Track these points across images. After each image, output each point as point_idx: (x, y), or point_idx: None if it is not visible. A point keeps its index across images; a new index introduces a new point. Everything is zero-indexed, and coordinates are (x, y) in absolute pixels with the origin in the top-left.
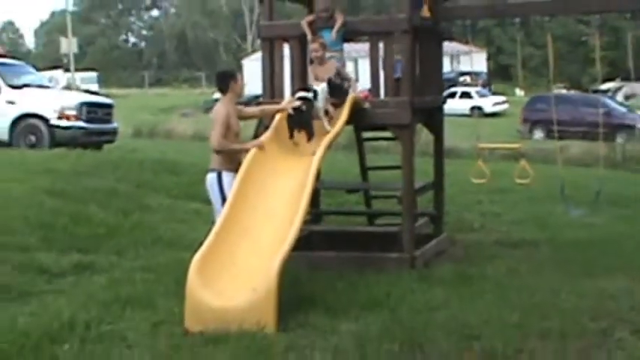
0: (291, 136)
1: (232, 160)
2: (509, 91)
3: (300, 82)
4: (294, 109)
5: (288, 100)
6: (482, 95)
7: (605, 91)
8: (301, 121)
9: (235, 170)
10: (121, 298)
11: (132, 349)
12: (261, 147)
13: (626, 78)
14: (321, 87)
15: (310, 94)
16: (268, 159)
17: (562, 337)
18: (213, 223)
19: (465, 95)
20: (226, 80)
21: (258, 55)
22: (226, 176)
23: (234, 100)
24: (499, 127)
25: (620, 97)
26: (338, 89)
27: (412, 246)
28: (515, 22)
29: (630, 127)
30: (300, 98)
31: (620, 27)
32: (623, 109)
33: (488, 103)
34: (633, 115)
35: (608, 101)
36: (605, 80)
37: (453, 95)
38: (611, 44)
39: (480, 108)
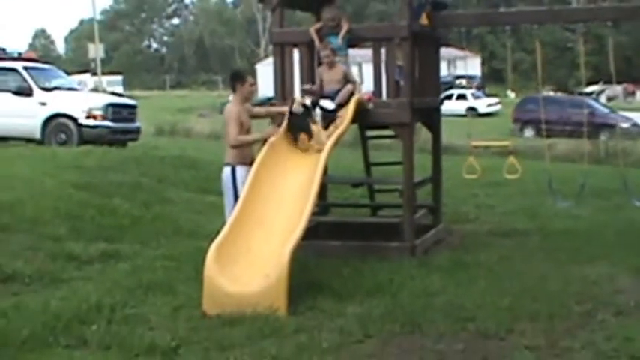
0: (295, 139)
1: (245, 156)
2: (501, 93)
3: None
4: (292, 113)
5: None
6: (476, 97)
7: (589, 94)
8: (300, 124)
9: (249, 164)
10: (144, 284)
11: (154, 330)
12: (273, 135)
13: (608, 81)
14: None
15: (308, 102)
16: (279, 155)
17: (550, 318)
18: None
19: (461, 97)
20: (234, 81)
21: (270, 60)
22: (240, 170)
23: (242, 100)
24: (492, 127)
25: (603, 98)
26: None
27: (412, 236)
28: (506, 30)
29: (612, 126)
30: (301, 105)
31: (602, 35)
32: (605, 110)
33: (483, 104)
34: (615, 115)
35: (592, 102)
36: (589, 83)
37: (449, 97)
38: (595, 50)
39: (474, 109)
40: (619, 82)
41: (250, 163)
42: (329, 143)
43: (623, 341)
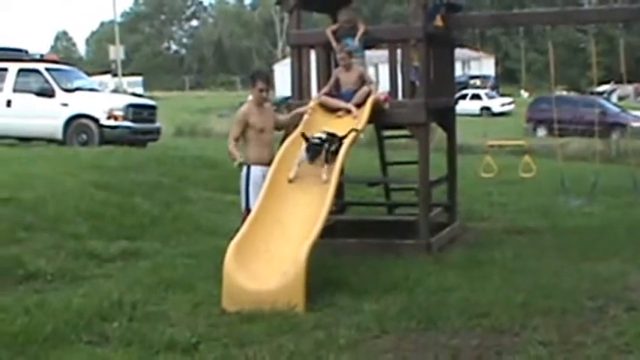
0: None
1: (263, 156)
2: (515, 92)
3: (326, 84)
4: (309, 145)
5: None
6: (490, 97)
7: (601, 93)
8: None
9: (265, 164)
10: (164, 282)
11: (174, 327)
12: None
13: (620, 81)
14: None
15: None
16: (297, 154)
17: (562, 314)
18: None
19: (475, 97)
20: (251, 80)
21: (288, 60)
22: (254, 170)
23: (255, 100)
24: (506, 126)
25: (614, 98)
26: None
27: (428, 233)
28: (519, 31)
29: (623, 125)
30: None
31: (614, 35)
32: (617, 109)
33: (496, 104)
34: (626, 114)
35: (604, 102)
36: (600, 83)
37: (464, 97)
38: (606, 51)
39: (488, 108)
40: (630, 82)
41: (267, 163)
42: (345, 143)
43: (634, 336)
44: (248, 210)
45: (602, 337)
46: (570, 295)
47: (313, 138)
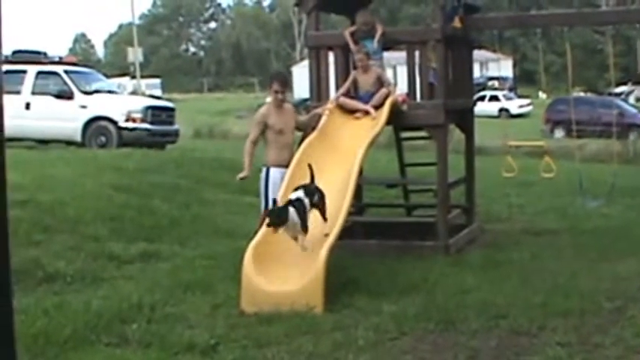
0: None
1: (280, 157)
2: (533, 94)
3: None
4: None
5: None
6: (508, 98)
7: (618, 94)
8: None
9: (284, 166)
10: (183, 283)
11: (193, 329)
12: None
13: (637, 82)
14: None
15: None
16: (315, 156)
17: (581, 315)
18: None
19: (494, 98)
20: (269, 82)
21: (306, 62)
22: (273, 172)
23: (273, 102)
24: (524, 127)
25: (631, 99)
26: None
27: (446, 235)
28: (537, 32)
29: None
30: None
31: (631, 36)
32: (634, 110)
33: (514, 106)
34: None
35: (621, 103)
36: (618, 84)
37: (482, 98)
38: (624, 52)
39: (506, 110)
40: None
41: (286, 165)
42: (364, 145)
43: None
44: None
45: (620, 338)
46: (588, 295)
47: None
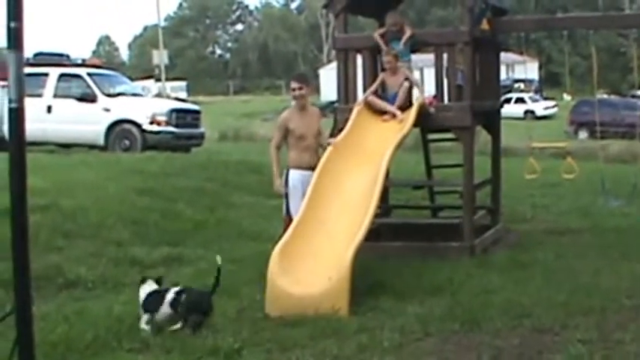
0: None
1: (301, 160)
2: (558, 96)
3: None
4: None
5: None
6: (534, 100)
7: None
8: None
9: (304, 168)
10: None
11: (217, 333)
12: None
13: None
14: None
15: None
16: (342, 158)
17: (602, 313)
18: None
19: (519, 100)
20: None
21: (334, 65)
22: (292, 174)
23: (296, 104)
24: (549, 129)
25: None
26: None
27: (472, 236)
28: (562, 35)
29: None
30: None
31: None
32: None
33: (540, 107)
34: None
35: None
36: None
37: (508, 100)
38: None
39: (532, 112)
40: None
41: (307, 168)
42: (391, 147)
43: None
44: (289, 215)
45: (639, 335)
46: (610, 293)
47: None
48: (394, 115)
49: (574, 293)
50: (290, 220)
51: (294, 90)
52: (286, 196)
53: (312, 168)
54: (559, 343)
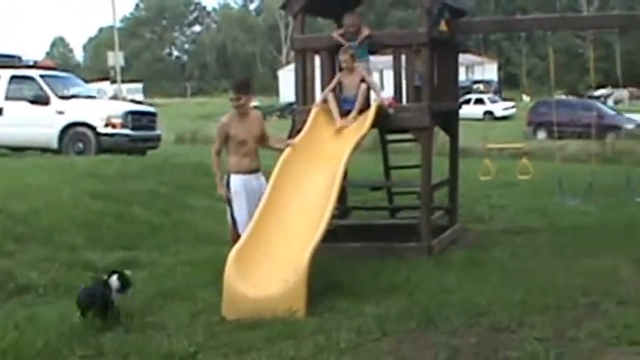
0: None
1: (239, 164)
2: (517, 97)
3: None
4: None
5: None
6: (493, 101)
7: (598, 97)
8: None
9: (244, 172)
10: (163, 291)
11: (172, 337)
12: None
13: (616, 85)
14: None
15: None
16: (300, 160)
17: (558, 310)
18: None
19: (479, 101)
20: None
21: (292, 66)
22: (234, 179)
23: (237, 111)
24: (508, 129)
25: (610, 101)
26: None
27: (429, 236)
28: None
29: (618, 128)
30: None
31: (610, 41)
32: (612, 112)
33: (499, 108)
34: (621, 117)
35: (601, 105)
36: (598, 87)
37: (467, 101)
38: (603, 56)
39: (491, 112)
40: (625, 86)
41: (247, 172)
42: (349, 148)
43: (623, 329)
44: (233, 220)
45: (594, 331)
46: (565, 291)
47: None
48: (344, 127)
49: (530, 291)
50: (235, 225)
51: (232, 100)
52: (229, 201)
53: (253, 171)
54: (515, 341)
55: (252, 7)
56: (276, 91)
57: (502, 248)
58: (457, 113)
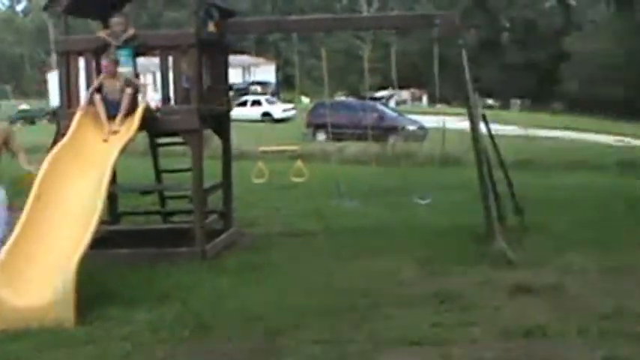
0: None
1: None
2: (296, 98)
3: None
4: None
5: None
6: (271, 103)
7: (379, 98)
8: None
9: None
10: None
11: None
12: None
13: (400, 87)
14: None
15: None
16: (63, 165)
17: (336, 313)
18: None
19: (256, 103)
20: None
21: None
22: None
23: None
24: (288, 131)
25: (392, 103)
26: None
27: (203, 240)
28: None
29: (400, 129)
30: None
31: (390, 42)
32: (393, 114)
33: (278, 110)
34: (402, 118)
35: (382, 107)
36: (380, 88)
37: (244, 103)
38: (383, 57)
39: (269, 114)
40: (407, 87)
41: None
42: (114, 152)
43: (404, 329)
44: None
45: (373, 332)
46: (344, 293)
47: None
48: (115, 132)
49: (308, 294)
50: None
51: None
52: None
53: None
54: (292, 345)
55: (19, 8)
56: (45, 95)
57: (279, 251)
58: (228, 115)
